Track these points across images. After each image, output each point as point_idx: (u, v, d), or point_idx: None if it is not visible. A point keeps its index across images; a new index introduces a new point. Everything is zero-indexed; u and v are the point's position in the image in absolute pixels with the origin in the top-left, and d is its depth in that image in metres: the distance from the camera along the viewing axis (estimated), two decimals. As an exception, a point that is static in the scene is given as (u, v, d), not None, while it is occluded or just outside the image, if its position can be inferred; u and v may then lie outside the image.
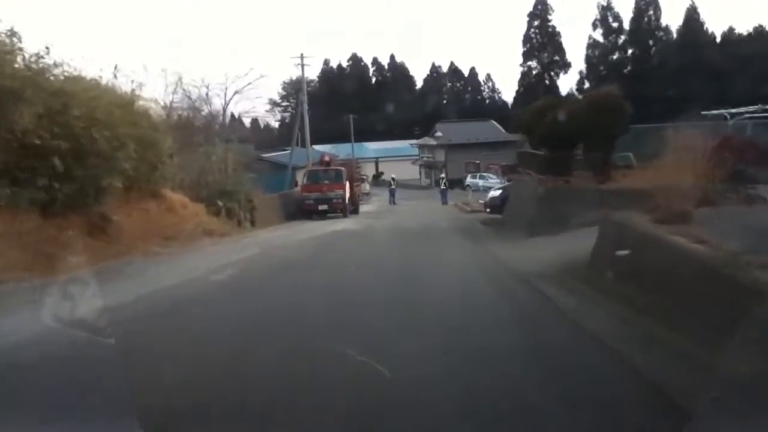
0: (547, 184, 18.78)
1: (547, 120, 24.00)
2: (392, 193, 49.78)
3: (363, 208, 43.13)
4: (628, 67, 59.01)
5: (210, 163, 23.49)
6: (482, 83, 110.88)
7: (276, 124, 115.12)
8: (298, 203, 31.22)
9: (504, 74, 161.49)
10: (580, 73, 62.95)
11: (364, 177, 69.26)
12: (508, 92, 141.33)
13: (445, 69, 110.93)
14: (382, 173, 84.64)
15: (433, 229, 23.76)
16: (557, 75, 67.31)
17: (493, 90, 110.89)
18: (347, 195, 31.84)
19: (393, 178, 50.35)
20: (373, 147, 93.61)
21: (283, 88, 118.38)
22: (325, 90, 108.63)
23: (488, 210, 26.76)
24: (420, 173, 78.80)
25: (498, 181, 63.08)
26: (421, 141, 78.12)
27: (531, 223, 17.65)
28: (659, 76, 61.98)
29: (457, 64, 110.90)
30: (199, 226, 19.44)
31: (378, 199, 57.59)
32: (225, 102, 37.97)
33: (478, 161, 66.61)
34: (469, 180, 62.63)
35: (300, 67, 51.19)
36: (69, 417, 4.24)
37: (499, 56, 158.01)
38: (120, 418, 3.99)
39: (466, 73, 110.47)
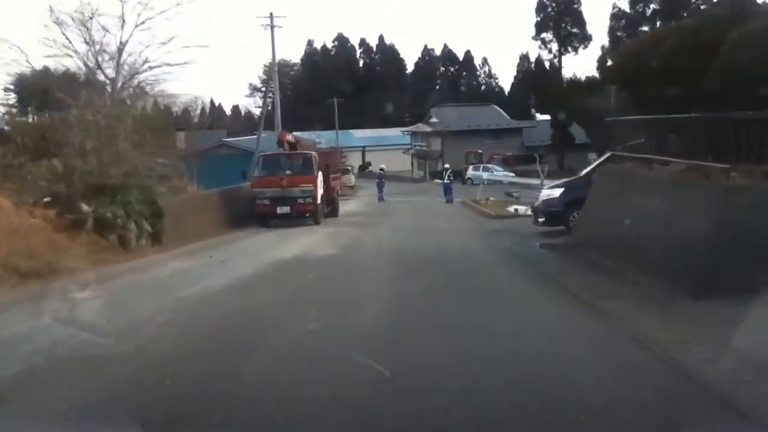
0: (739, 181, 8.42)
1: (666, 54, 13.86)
2: (380, 187, 39.77)
3: (345, 206, 33.13)
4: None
5: (78, 136, 13.35)
6: (478, 68, 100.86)
7: (258, 111, 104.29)
8: (250, 203, 21.10)
9: (502, 59, 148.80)
10: (603, 48, 52.72)
11: (349, 168, 59.09)
12: (506, 78, 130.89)
13: (438, 52, 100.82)
14: (369, 164, 74.53)
15: (458, 254, 13.88)
16: (575, 50, 57.16)
17: (490, 75, 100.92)
18: (320, 192, 21.57)
19: (381, 169, 40.35)
20: (359, 135, 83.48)
21: (265, 72, 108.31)
22: (308, 73, 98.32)
23: (541, 219, 16.67)
24: (412, 164, 68.79)
25: (504, 173, 53.23)
26: (413, 128, 68.08)
27: (707, 265, 7.73)
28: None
29: (451, 47, 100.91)
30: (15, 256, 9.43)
31: (365, 193, 47.55)
32: (120, 42, 26.51)
33: (480, 150, 56.60)
34: (470, 172, 52.63)
35: (270, 32, 40.59)
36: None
37: (496, 39, 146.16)
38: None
39: (460, 56, 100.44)
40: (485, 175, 49.05)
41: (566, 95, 55.86)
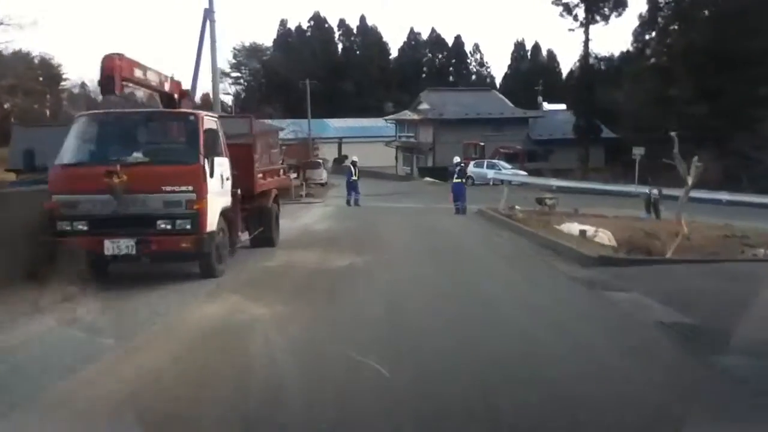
0: None
1: None
2: (352, 187, 27.84)
3: (304, 216, 21.45)
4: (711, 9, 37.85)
5: None
6: (469, 55, 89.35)
7: (228, 99, 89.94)
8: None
9: (495, 46, 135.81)
10: (640, 16, 41.16)
11: (320, 161, 47.17)
12: (498, 67, 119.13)
13: (425, 36, 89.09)
14: (345, 157, 62.55)
15: None
16: (606, 18, 45.55)
17: (482, 64, 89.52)
18: (217, 203, 9.44)
19: (354, 163, 28.48)
20: (336, 125, 71.62)
21: (234, 56, 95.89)
22: (281, 57, 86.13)
23: None
24: (396, 158, 56.95)
25: (513, 170, 41.73)
26: (398, 115, 56.21)
27: None
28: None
29: (439, 31, 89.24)
30: None
31: (338, 193, 35.74)
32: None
33: (482, 143, 45.12)
34: (472, 169, 40.80)
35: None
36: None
37: (490, 24, 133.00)
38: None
39: (450, 42, 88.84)
40: (491, 173, 37.56)
41: (595, 77, 44.56)
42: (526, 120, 51.11)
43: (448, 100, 49.33)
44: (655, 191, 22.63)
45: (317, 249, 12.49)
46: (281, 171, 14.74)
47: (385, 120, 60.32)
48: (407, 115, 53.97)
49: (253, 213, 12.00)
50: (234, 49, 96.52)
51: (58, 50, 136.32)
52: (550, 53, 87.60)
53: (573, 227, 16.99)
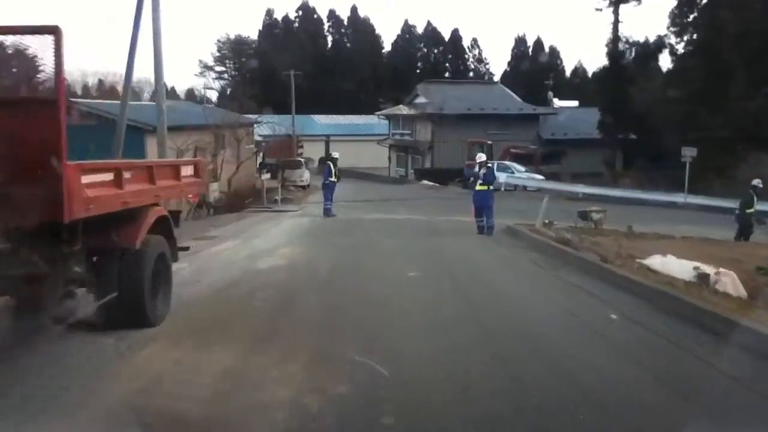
0: None
1: None
2: (328, 190, 21.24)
3: (261, 238, 14.99)
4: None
5: None
6: (466, 50, 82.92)
7: (213, 95, 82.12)
8: None
9: (494, 40, 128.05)
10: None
11: (302, 161, 40.51)
12: (498, 63, 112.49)
13: (420, 30, 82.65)
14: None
15: None
16: (638, -1, 39.12)
17: (480, 60, 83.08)
18: None
19: (333, 159, 22.19)
20: (323, 121, 65.14)
21: (219, 49, 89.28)
22: (267, 49, 79.45)
23: None
24: (389, 158, 50.40)
25: (528, 174, 35.37)
26: (391, 110, 49.67)
27: None
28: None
29: (435, 24, 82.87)
30: None
31: (319, 198, 29.38)
32: None
33: (489, 141, 38.65)
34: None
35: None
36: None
37: (488, 18, 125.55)
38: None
39: (446, 35, 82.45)
40: (502, 177, 31.11)
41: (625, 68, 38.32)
42: (536, 117, 44.72)
43: (449, 94, 42.91)
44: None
45: (239, 340, 5.94)
46: (185, 171, 7.69)
47: (377, 116, 53.85)
48: (402, 110, 47.46)
49: (101, 260, 5.51)
50: (218, 41, 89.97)
51: None
52: (553, 50, 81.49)
53: (671, 264, 10.64)
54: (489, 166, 17.56)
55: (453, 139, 42.36)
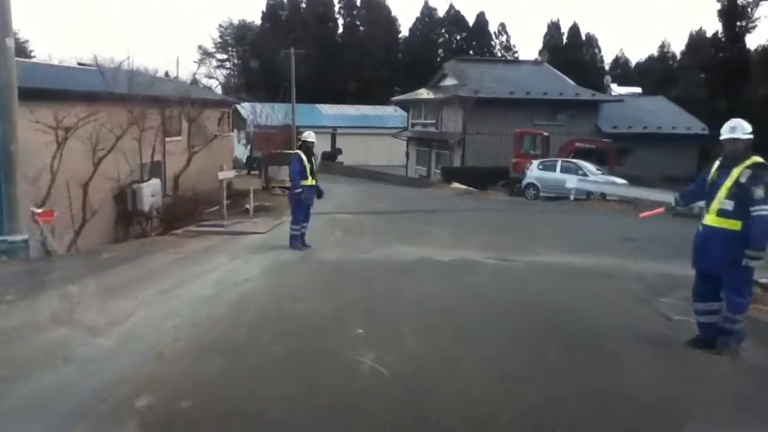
0: None
1: None
2: (298, 206, 11.00)
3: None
4: None
5: None
6: (493, 36, 72.88)
7: (215, 84, 71.45)
8: None
9: (524, 26, 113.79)
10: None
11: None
12: (527, 52, 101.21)
13: (441, 13, 72.71)
14: (339, 151, 46.28)
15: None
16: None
17: (508, 47, 72.99)
18: None
19: (303, 143, 11.25)
20: (331, 112, 55.23)
21: (221, 35, 79.93)
22: (271, 33, 69.73)
23: None
24: (407, 155, 40.38)
25: (607, 176, 25.11)
26: (411, 95, 39.60)
27: None
28: None
29: (458, 7, 72.95)
30: None
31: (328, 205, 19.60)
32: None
33: (546, 133, 28.71)
34: (535, 173, 24.59)
35: None
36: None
37: (518, 1, 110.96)
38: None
39: (471, 21, 72.49)
40: (572, 181, 21.12)
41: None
42: (596, 106, 34.61)
43: (485, 74, 32.91)
44: None
45: None
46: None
47: (393, 102, 43.94)
48: (422, 95, 37.42)
49: None
50: (220, 26, 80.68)
51: None
52: (590, 37, 71.31)
53: None
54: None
55: (491, 129, 32.44)
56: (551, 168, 23.66)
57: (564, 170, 23.34)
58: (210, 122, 24.27)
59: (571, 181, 22.22)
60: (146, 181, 17.86)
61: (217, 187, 23.92)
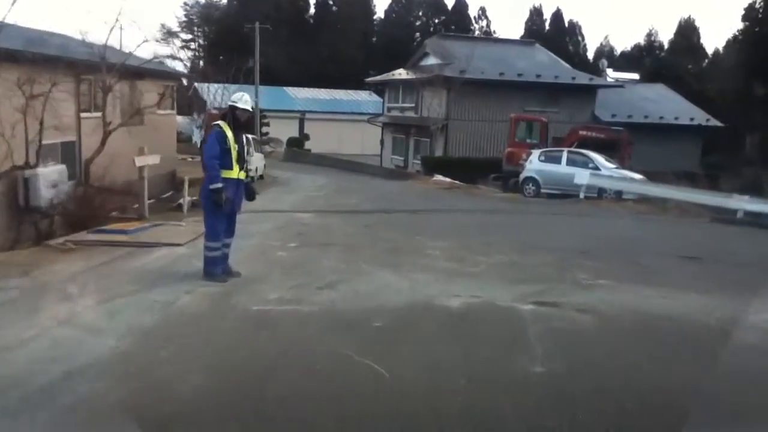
0: None
1: None
2: (212, 215, 6.89)
3: None
4: None
5: None
6: (473, 21, 69.06)
7: (179, 66, 65.89)
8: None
9: (505, 10, 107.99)
10: None
11: (249, 138, 25.13)
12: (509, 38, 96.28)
13: (419, -5, 68.60)
14: (307, 137, 42.06)
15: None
16: None
17: (488, 33, 69.07)
18: None
19: (233, 108, 6.95)
20: (300, 95, 50.86)
21: (186, 13, 74.70)
22: (239, 13, 64.77)
23: None
24: (382, 143, 36.26)
25: (621, 171, 20.84)
26: (387, 76, 35.44)
27: None
28: None
29: (437, -11, 68.78)
30: None
31: (270, 204, 15.41)
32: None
33: (544, 118, 24.86)
34: (535, 165, 20.54)
35: None
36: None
37: None
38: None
39: (449, 3, 68.56)
40: (583, 176, 17.16)
41: None
42: (593, 91, 30.84)
43: (472, 53, 28.89)
44: None
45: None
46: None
47: (367, 84, 39.80)
48: (403, 74, 33.29)
49: None
50: (185, 4, 75.41)
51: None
52: (574, 24, 67.88)
53: None
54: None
55: (478, 115, 28.55)
56: (556, 160, 19.76)
57: (571, 163, 19.47)
58: (149, 98, 19.91)
59: (582, 177, 18.35)
60: (45, 166, 13.44)
61: (158, 175, 19.78)
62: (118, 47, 19.71)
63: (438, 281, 7.27)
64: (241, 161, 6.97)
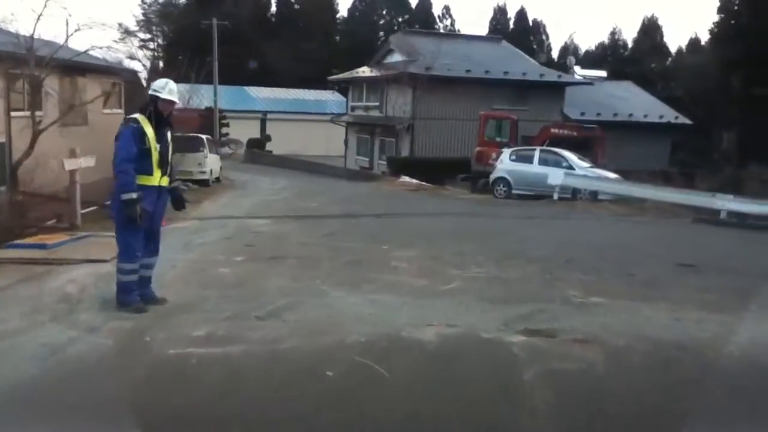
0: None
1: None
2: (126, 230, 5.54)
3: None
4: None
5: None
6: (437, 20, 68.28)
7: (140, 67, 63.43)
8: None
9: (469, 9, 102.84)
10: None
11: (203, 138, 23.13)
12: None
13: (383, -7, 67.52)
14: (269, 137, 40.59)
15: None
16: None
17: (452, 31, 68.27)
18: None
19: (155, 101, 5.66)
20: (262, 95, 49.32)
21: (144, 12, 72.30)
22: (198, 12, 62.69)
23: None
24: (347, 143, 34.94)
25: (596, 172, 19.94)
26: (350, 74, 34.15)
27: None
28: None
29: (401, -13, 67.78)
30: None
31: (208, 215, 14.09)
32: None
33: (514, 116, 23.84)
34: (507, 165, 19.46)
35: None
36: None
37: None
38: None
39: (413, 2, 67.58)
40: (557, 176, 16.14)
41: None
42: (562, 89, 30.02)
43: (438, 49, 27.78)
44: None
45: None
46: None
47: (330, 82, 38.56)
48: (367, 72, 32.06)
49: None
50: (143, 2, 73.02)
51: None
52: (538, 24, 67.51)
53: None
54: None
55: (445, 113, 27.51)
56: (527, 159, 18.74)
57: (543, 162, 18.47)
58: (92, 96, 18.35)
59: (556, 177, 17.35)
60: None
61: (104, 179, 18.23)
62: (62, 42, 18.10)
63: (406, 305, 6.06)
64: (164, 164, 5.66)
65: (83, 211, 14.90)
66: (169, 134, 5.81)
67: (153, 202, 5.54)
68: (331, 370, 4.20)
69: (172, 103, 5.82)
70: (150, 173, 5.53)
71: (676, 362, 4.72)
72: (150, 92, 5.84)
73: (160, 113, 5.67)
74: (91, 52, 17.83)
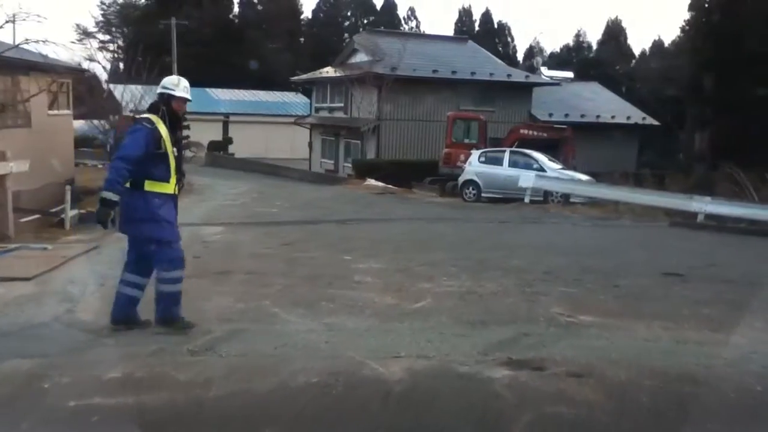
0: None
1: None
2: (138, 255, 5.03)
3: None
4: None
5: None
6: (402, 21, 67.65)
7: (99, 68, 61.22)
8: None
9: (435, 11, 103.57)
10: None
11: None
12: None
13: (348, -6, 66.69)
14: (231, 140, 39.40)
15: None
16: None
17: (418, 32, 67.90)
18: None
19: (170, 101, 4.94)
20: (224, 97, 47.88)
21: (103, 13, 70.23)
22: (158, 13, 61.00)
23: None
24: (311, 146, 33.93)
25: (568, 174, 19.31)
26: (314, 74, 33.18)
27: None
28: None
29: (366, -12, 67.06)
30: None
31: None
32: None
33: (482, 117, 23.12)
34: (476, 167, 18.65)
35: None
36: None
37: None
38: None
39: (378, 4, 66.93)
40: (527, 178, 15.41)
41: None
42: (529, 90, 29.50)
43: (403, 49, 27.00)
44: None
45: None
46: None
47: (293, 83, 37.52)
48: (330, 72, 31.12)
49: None
50: (101, 3, 70.84)
51: None
52: (503, 26, 67.33)
53: None
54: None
55: (411, 114, 26.74)
56: (497, 161, 18.04)
57: (513, 164, 17.81)
58: (35, 95, 17.12)
59: (527, 179, 16.68)
60: None
61: (51, 184, 17.06)
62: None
63: (370, 330, 5.19)
64: (180, 170, 4.85)
65: (23, 220, 13.76)
66: (180, 135, 4.99)
67: (173, 214, 4.78)
68: (268, 428, 3.29)
69: (187, 101, 4.94)
70: (167, 180, 4.80)
71: (692, 402, 3.92)
72: (161, 90, 4.99)
73: (175, 113, 4.83)
74: (42, 51, 16.73)
